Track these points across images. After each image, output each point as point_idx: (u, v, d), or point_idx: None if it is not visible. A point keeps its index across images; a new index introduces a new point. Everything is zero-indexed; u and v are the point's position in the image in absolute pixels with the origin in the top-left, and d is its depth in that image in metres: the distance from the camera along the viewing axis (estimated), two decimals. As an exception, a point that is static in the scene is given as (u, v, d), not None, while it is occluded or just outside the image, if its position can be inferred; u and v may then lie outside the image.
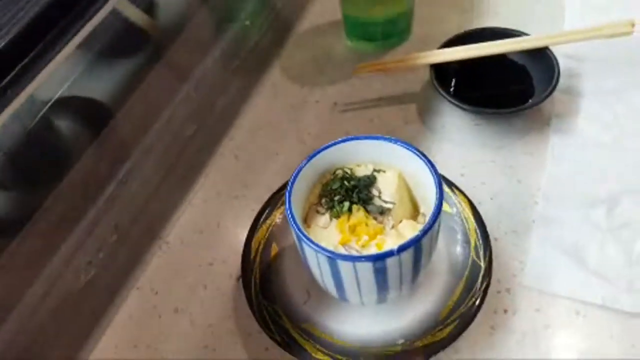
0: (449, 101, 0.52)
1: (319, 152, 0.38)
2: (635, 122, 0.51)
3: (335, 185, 0.39)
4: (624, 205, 0.46)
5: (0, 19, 0.38)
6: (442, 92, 0.52)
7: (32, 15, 0.39)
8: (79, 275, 0.43)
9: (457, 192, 0.45)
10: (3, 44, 0.36)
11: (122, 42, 0.54)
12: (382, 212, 0.38)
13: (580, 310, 0.41)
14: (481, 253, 0.41)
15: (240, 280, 0.43)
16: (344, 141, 0.39)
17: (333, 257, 0.33)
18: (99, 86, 0.52)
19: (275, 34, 0.66)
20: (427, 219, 0.35)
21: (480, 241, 0.42)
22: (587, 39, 0.53)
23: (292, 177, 0.37)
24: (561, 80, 0.52)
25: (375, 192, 0.39)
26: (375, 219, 0.38)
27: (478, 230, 0.42)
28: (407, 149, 0.38)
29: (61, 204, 0.42)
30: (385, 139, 0.38)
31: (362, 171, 0.40)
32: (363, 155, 0.40)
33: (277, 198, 0.46)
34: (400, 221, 0.38)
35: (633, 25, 0.51)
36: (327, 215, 0.38)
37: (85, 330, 0.44)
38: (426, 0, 0.65)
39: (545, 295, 0.42)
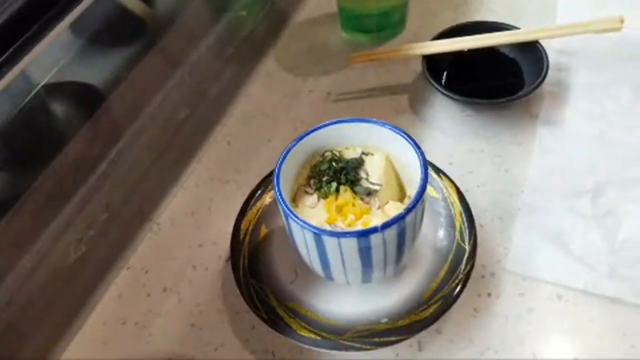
0: (440, 92, 0.53)
1: (308, 133, 0.39)
2: (622, 116, 0.52)
3: (324, 167, 0.39)
4: (609, 195, 0.47)
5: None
6: (433, 82, 0.53)
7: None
8: (69, 252, 0.44)
9: (444, 178, 0.45)
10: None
11: (117, 28, 0.55)
12: (369, 193, 0.38)
13: (562, 295, 0.42)
14: (466, 237, 0.42)
15: (229, 260, 0.44)
16: (333, 123, 0.40)
17: (318, 233, 0.34)
18: (94, 71, 0.52)
19: (271, 24, 0.67)
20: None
21: (466, 225, 0.43)
22: (577, 33, 0.54)
23: (282, 157, 0.38)
24: (551, 74, 0.53)
25: (362, 174, 0.39)
26: (362, 199, 0.38)
27: (464, 215, 0.43)
28: (395, 131, 0.38)
29: (52, 181, 0.43)
30: (373, 122, 0.39)
31: (350, 154, 0.41)
32: (352, 138, 0.40)
33: (268, 181, 0.47)
34: (387, 202, 0.38)
35: (622, 21, 0.52)
36: (315, 196, 0.39)
37: (75, 306, 0.44)
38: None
39: (529, 280, 0.43)
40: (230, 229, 0.45)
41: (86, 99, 0.52)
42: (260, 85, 0.60)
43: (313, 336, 0.38)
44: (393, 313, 0.40)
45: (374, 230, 0.34)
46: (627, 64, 0.56)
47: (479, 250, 0.43)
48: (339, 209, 0.38)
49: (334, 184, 0.38)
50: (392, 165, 0.41)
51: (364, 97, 0.58)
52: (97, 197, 0.46)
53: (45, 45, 0.40)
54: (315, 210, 0.38)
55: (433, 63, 0.55)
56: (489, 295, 0.43)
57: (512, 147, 0.51)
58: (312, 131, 0.39)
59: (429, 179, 0.44)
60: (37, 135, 0.45)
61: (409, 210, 0.34)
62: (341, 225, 0.37)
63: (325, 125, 0.39)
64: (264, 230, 0.45)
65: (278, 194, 0.36)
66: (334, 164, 0.39)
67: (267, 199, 0.46)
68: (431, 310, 0.39)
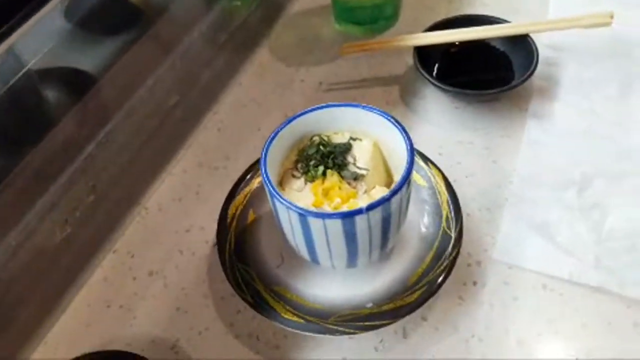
0: (431, 83, 0.53)
1: (297, 116, 0.39)
2: (609, 110, 0.53)
3: (312, 151, 0.39)
4: (595, 188, 0.47)
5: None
6: (423, 73, 0.53)
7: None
8: (54, 232, 0.44)
9: (432, 167, 0.46)
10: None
11: (111, 15, 0.55)
12: (356, 178, 0.38)
13: (547, 284, 0.42)
14: (452, 225, 0.42)
15: (216, 245, 0.44)
16: (322, 108, 0.40)
17: (304, 214, 0.34)
18: (87, 57, 0.52)
19: (265, 14, 0.67)
20: (398, 182, 0.35)
21: (452, 213, 0.43)
22: (567, 28, 0.54)
23: (269, 139, 0.38)
24: (541, 68, 0.53)
25: (350, 158, 0.39)
26: (349, 184, 0.38)
27: (450, 203, 0.43)
28: (383, 116, 0.39)
29: (39, 161, 0.42)
30: (362, 106, 0.39)
31: (338, 139, 0.41)
32: (340, 123, 0.40)
33: (256, 167, 0.47)
34: (374, 187, 0.39)
35: (612, 16, 0.52)
36: (302, 179, 0.39)
37: (59, 287, 0.44)
38: (416, -12, 0.67)
39: (515, 269, 0.43)
40: (218, 214, 0.45)
41: (77, 83, 0.52)
42: (252, 74, 0.61)
43: (297, 319, 0.38)
44: (378, 298, 0.40)
45: (359, 211, 0.34)
46: (616, 60, 0.57)
47: (466, 239, 0.43)
48: (326, 193, 0.38)
49: (321, 168, 0.38)
50: (380, 151, 0.41)
51: (356, 88, 0.58)
52: (84, 178, 0.46)
53: (35, 24, 0.39)
54: (302, 194, 0.38)
55: (424, 55, 0.55)
56: (475, 283, 0.43)
57: (501, 140, 0.52)
58: (300, 114, 0.39)
59: (417, 167, 0.45)
60: (26, 115, 0.45)
61: (394, 192, 0.34)
62: (327, 209, 0.37)
63: (314, 109, 0.40)
64: (251, 215, 0.45)
65: (265, 175, 0.36)
66: (321, 148, 0.39)
67: (256, 184, 0.46)
68: (416, 295, 0.39)
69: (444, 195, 0.44)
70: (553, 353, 0.39)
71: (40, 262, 0.43)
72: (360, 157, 0.39)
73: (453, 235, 0.42)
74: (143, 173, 0.51)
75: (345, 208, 0.37)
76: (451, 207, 0.43)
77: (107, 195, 0.48)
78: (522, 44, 0.54)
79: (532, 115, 0.53)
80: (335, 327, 0.38)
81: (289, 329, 0.38)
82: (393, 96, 0.56)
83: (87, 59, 0.52)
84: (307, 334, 0.38)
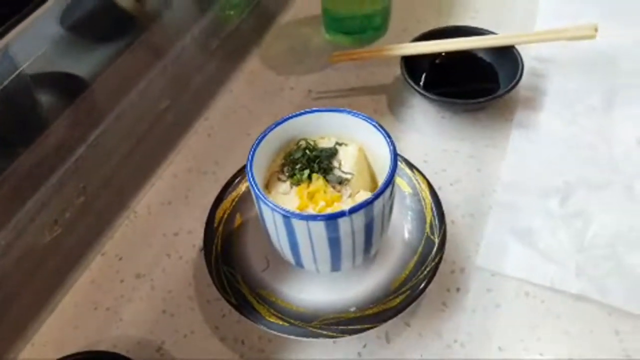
0: (417, 92, 0.54)
1: (284, 120, 0.40)
2: (593, 121, 0.54)
3: (298, 155, 0.40)
4: (578, 196, 0.48)
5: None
6: (411, 83, 0.54)
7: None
8: (43, 232, 0.44)
9: (417, 173, 0.46)
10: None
11: (105, 21, 0.56)
12: (341, 182, 0.39)
13: (529, 292, 0.43)
14: (436, 231, 0.43)
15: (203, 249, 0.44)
16: (308, 112, 0.40)
17: (288, 216, 0.35)
18: (80, 62, 0.53)
19: (257, 23, 0.68)
20: (381, 186, 0.36)
21: (436, 220, 0.43)
22: (552, 40, 0.55)
23: (256, 142, 0.39)
24: (527, 79, 0.55)
25: (335, 163, 0.40)
26: (333, 188, 0.39)
27: (434, 209, 0.44)
28: (367, 122, 0.39)
29: (31, 161, 0.43)
30: (347, 112, 0.40)
31: (325, 143, 0.41)
32: (327, 128, 0.41)
33: (244, 172, 0.47)
34: (358, 192, 0.39)
35: (596, 29, 0.54)
36: (287, 183, 0.40)
37: (48, 288, 0.44)
38: (405, 0, 0.68)
39: (498, 276, 0.44)
40: (205, 219, 0.45)
41: (69, 87, 0.53)
42: (243, 81, 0.61)
43: (281, 323, 0.39)
44: (361, 302, 0.40)
45: (342, 214, 0.34)
46: (600, 72, 0.58)
47: (450, 246, 0.44)
48: (311, 196, 0.38)
49: (307, 172, 0.39)
50: (365, 156, 0.42)
51: (344, 96, 0.59)
52: (75, 180, 0.46)
53: (29, 28, 0.40)
54: (288, 197, 0.39)
55: (412, 65, 0.56)
56: (458, 290, 0.43)
57: (486, 149, 0.52)
58: (287, 119, 0.40)
59: (402, 174, 0.45)
60: (19, 117, 0.46)
61: (376, 196, 0.35)
62: (312, 212, 0.37)
63: (301, 114, 0.40)
64: (238, 219, 0.45)
65: (250, 177, 0.36)
66: (307, 152, 0.40)
67: (243, 188, 0.47)
68: (399, 300, 0.40)
69: (428, 201, 0.45)
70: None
71: (29, 262, 0.43)
72: (346, 162, 0.40)
73: (437, 241, 0.42)
74: (133, 176, 0.52)
75: (329, 211, 0.37)
76: (435, 213, 0.44)
77: (97, 198, 0.49)
78: (508, 55, 0.55)
79: (517, 125, 0.54)
80: (319, 331, 0.38)
81: (273, 332, 0.38)
82: (381, 105, 0.57)
83: (80, 64, 0.53)
84: (290, 337, 0.38)
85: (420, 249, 0.42)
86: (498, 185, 0.49)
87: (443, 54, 0.57)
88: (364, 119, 0.40)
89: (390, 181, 0.36)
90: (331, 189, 0.39)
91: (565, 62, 0.59)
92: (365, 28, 0.63)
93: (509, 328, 0.41)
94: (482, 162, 0.51)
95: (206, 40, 0.63)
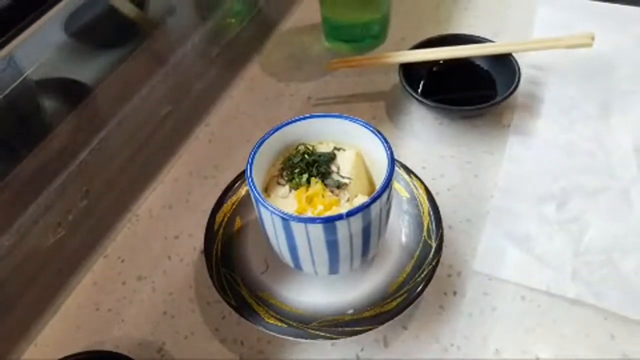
0: (415, 99, 0.54)
1: (283, 125, 0.41)
2: (590, 128, 0.54)
3: (297, 159, 0.41)
4: (574, 202, 0.49)
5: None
6: (409, 90, 0.55)
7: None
8: (47, 234, 0.45)
9: (414, 178, 0.47)
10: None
11: (108, 29, 0.57)
12: (339, 186, 0.40)
13: (526, 296, 0.43)
14: (433, 235, 0.43)
15: (204, 252, 0.45)
16: (307, 118, 0.41)
17: (287, 219, 0.35)
18: (84, 68, 0.54)
19: (258, 31, 0.69)
20: (379, 190, 0.37)
21: (433, 224, 0.44)
22: (549, 48, 0.56)
23: (256, 146, 0.39)
24: (525, 87, 0.55)
25: (334, 168, 0.41)
26: (332, 192, 0.40)
27: (432, 214, 0.45)
28: (365, 127, 0.40)
29: (35, 165, 0.44)
30: (345, 117, 0.41)
31: (323, 148, 0.42)
32: (325, 134, 0.42)
33: (244, 176, 0.48)
34: (356, 196, 0.40)
35: (593, 38, 0.54)
36: (286, 187, 0.40)
37: (51, 290, 0.45)
38: (404, 9, 0.69)
39: (494, 280, 0.44)
40: (206, 222, 0.46)
41: (73, 93, 0.54)
42: (243, 88, 0.62)
43: (280, 324, 0.39)
44: (359, 305, 0.41)
45: (340, 217, 0.35)
46: (596, 80, 0.58)
47: (447, 251, 0.44)
48: (309, 200, 0.39)
49: (305, 176, 0.40)
50: (363, 161, 0.42)
51: (343, 103, 0.60)
52: (78, 183, 0.47)
53: (34, 34, 0.41)
54: (287, 200, 0.39)
55: (410, 72, 0.57)
56: (455, 293, 0.44)
57: (483, 155, 0.53)
58: (287, 124, 0.41)
59: (400, 179, 0.46)
60: (24, 122, 0.47)
61: (374, 199, 0.36)
62: (310, 215, 0.38)
63: (300, 119, 0.41)
64: (238, 223, 0.46)
65: (250, 180, 0.37)
66: (306, 156, 0.41)
67: (243, 192, 0.47)
68: (396, 303, 0.40)
69: (426, 206, 0.45)
70: (531, 363, 0.40)
71: (33, 263, 0.44)
72: (344, 166, 0.41)
73: (434, 245, 0.43)
74: (135, 180, 0.52)
75: (327, 215, 0.38)
76: (432, 217, 0.44)
77: (100, 201, 0.49)
78: (506, 63, 0.56)
79: (514, 132, 0.55)
80: (317, 332, 0.39)
81: (272, 333, 0.39)
82: (379, 111, 0.58)
83: (83, 70, 0.54)
84: (289, 338, 0.39)
85: (417, 252, 0.43)
86: (495, 190, 0.50)
87: (441, 61, 0.58)
88: (361, 125, 0.40)
89: (387, 185, 0.36)
90: (329, 193, 0.39)
91: (562, 70, 0.60)
92: (365, 36, 0.64)
93: (506, 331, 0.41)
94: (479, 168, 0.52)
95: (207, 48, 0.64)
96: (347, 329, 0.39)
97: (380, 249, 0.43)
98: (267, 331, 0.39)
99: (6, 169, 0.43)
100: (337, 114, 0.41)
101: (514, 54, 0.56)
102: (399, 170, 0.47)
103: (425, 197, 0.46)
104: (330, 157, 0.41)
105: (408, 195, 0.46)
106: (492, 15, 0.68)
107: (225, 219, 0.46)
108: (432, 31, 0.64)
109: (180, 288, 0.45)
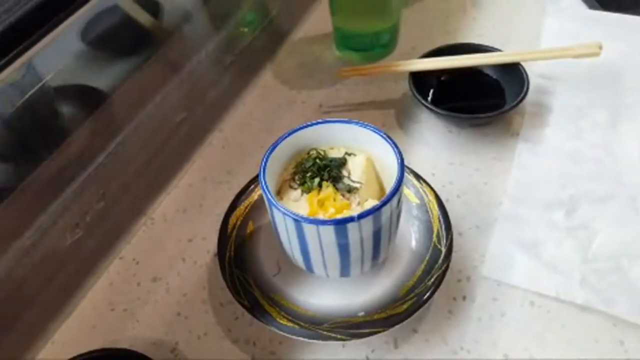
0: (425, 106, 0.55)
1: (296, 130, 0.42)
2: (598, 136, 0.55)
3: (309, 164, 0.42)
4: (583, 209, 0.49)
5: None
6: (419, 97, 0.55)
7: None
8: (65, 235, 0.46)
9: (424, 184, 0.48)
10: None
11: (124, 37, 0.58)
12: (350, 190, 0.41)
13: (535, 301, 0.44)
14: (443, 240, 0.44)
15: (217, 255, 0.45)
16: (319, 123, 0.42)
17: (299, 220, 0.36)
18: (101, 75, 0.56)
19: (270, 40, 0.70)
20: (389, 194, 0.38)
21: (443, 229, 0.45)
22: (557, 57, 0.57)
23: (269, 150, 0.40)
24: (533, 96, 0.56)
25: (345, 172, 0.42)
26: (343, 196, 0.40)
27: (441, 219, 0.45)
28: (376, 132, 0.41)
29: (54, 167, 0.45)
30: (356, 123, 0.42)
31: (334, 153, 0.43)
32: (336, 139, 0.43)
33: (257, 181, 0.49)
34: (367, 200, 0.41)
35: (600, 47, 0.55)
36: (299, 191, 0.41)
37: (68, 290, 0.46)
38: (414, 19, 0.70)
39: (503, 286, 0.45)
40: (219, 225, 0.47)
41: (90, 99, 0.55)
42: (256, 95, 0.64)
43: (292, 325, 0.40)
44: (370, 307, 0.41)
45: (351, 219, 0.36)
46: (604, 89, 0.59)
47: (456, 256, 0.45)
48: (321, 203, 0.40)
49: (317, 180, 0.41)
50: (373, 166, 0.43)
51: (353, 110, 0.61)
52: (95, 185, 0.49)
53: (52, 42, 0.42)
54: (299, 204, 0.40)
55: (420, 81, 0.58)
56: (464, 298, 0.44)
57: (492, 162, 0.54)
58: (299, 129, 0.42)
59: (410, 185, 0.47)
60: (43, 126, 0.48)
61: (384, 202, 0.36)
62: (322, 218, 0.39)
63: (312, 125, 0.42)
64: (251, 226, 0.47)
65: (263, 183, 0.38)
66: (318, 161, 0.42)
67: (256, 197, 0.48)
68: (406, 306, 0.41)
69: (435, 211, 0.46)
70: (539, 367, 0.40)
71: (51, 263, 0.45)
72: (355, 171, 0.42)
73: (443, 249, 0.43)
74: (150, 184, 0.54)
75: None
76: (442, 223, 0.45)
77: (116, 204, 0.51)
78: (514, 72, 0.57)
79: (523, 140, 0.55)
80: (328, 333, 0.39)
81: (284, 334, 0.40)
82: (389, 119, 0.59)
83: (100, 78, 0.55)
84: (300, 338, 0.39)
85: (427, 257, 0.44)
86: (504, 197, 0.51)
87: (450, 70, 0.59)
88: (372, 130, 0.41)
89: (397, 188, 0.37)
90: (340, 197, 0.40)
91: (570, 80, 0.60)
92: (375, 45, 0.65)
93: (514, 336, 0.42)
94: (488, 175, 0.53)
95: (221, 56, 0.65)
96: (358, 330, 0.40)
97: (390, 254, 0.44)
98: (279, 332, 0.40)
99: (26, 171, 0.44)
100: (347, 119, 0.42)
101: (522, 63, 0.57)
102: (409, 177, 0.48)
103: (435, 203, 0.46)
104: (342, 162, 0.42)
105: (418, 201, 0.47)
106: (500, 26, 0.69)
107: (238, 222, 0.47)
108: (442, 41, 0.64)
109: (194, 289, 0.46)
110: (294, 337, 0.39)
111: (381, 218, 0.37)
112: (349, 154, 0.43)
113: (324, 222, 0.36)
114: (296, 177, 0.42)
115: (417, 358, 0.41)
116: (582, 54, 0.56)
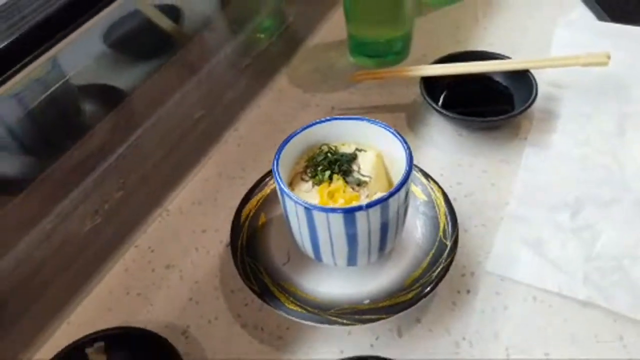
0: (436, 110, 0.57)
1: (308, 126, 0.44)
2: (603, 141, 0.56)
3: (320, 158, 0.43)
4: (588, 212, 0.50)
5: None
6: (429, 101, 0.57)
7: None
8: (85, 220, 0.48)
9: (432, 182, 0.49)
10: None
11: (146, 40, 0.61)
12: (359, 184, 0.42)
13: (537, 296, 0.45)
14: (449, 235, 0.45)
15: (229, 244, 0.47)
16: (331, 120, 0.44)
17: (309, 208, 0.38)
18: (121, 75, 0.58)
19: (286, 46, 0.73)
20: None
21: (449, 225, 0.46)
22: (566, 65, 0.58)
23: (283, 143, 0.42)
24: (542, 103, 0.57)
25: (355, 167, 0.43)
26: (352, 188, 0.42)
27: (448, 216, 0.47)
28: (385, 129, 0.43)
29: (76, 157, 0.48)
30: (366, 119, 0.44)
31: (345, 149, 0.45)
32: (347, 135, 0.45)
33: (270, 175, 0.51)
34: (375, 193, 0.42)
35: (608, 57, 0.57)
36: (310, 183, 0.43)
37: (85, 273, 0.48)
38: (426, 28, 0.72)
39: (507, 281, 0.46)
40: (232, 218, 0.49)
41: (112, 97, 0.58)
42: (271, 98, 0.66)
43: (300, 310, 0.41)
44: (375, 295, 0.43)
45: (359, 208, 0.37)
46: (612, 98, 0.60)
47: (461, 253, 0.46)
48: (331, 195, 0.41)
49: (328, 173, 0.42)
50: (383, 162, 0.45)
51: (365, 113, 0.62)
52: (115, 175, 0.51)
53: (75, 39, 0.45)
54: (310, 194, 0.42)
55: (431, 86, 0.59)
56: (468, 292, 0.46)
57: (500, 165, 0.55)
58: (312, 125, 0.44)
59: (418, 182, 0.48)
60: (67, 121, 0.51)
61: (392, 194, 0.38)
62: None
63: (324, 121, 0.44)
64: (263, 218, 0.49)
65: (276, 173, 0.40)
66: (329, 155, 0.43)
67: (268, 191, 0.50)
68: (410, 295, 0.42)
69: (442, 208, 0.47)
70: None
71: (70, 247, 0.47)
72: (364, 166, 0.43)
73: (449, 244, 0.45)
74: (167, 178, 0.56)
75: (348, 207, 0.40)
76: (448, 218, 0.46)
77: (134, 194, 0.53)
78: (523, 79, 0.58)
79: (531, 144, 0.56)
80: (335, 319, 0.41)
81: (292, 318, 0.41)
82: (400, 122, 0.61)
83: (121, 78, 0.58)
84: (308, 323, 0.41)
85: (433, 250, 0.45)
86: (510, 198, 0.52)
87: (461, 76, 0.61)
88: (382, 127, 0.43)
89: (405, 180, 0.39)
90: (350, 190, 0.42)
91: (579, 88, 0.62)
92: (388, 52, 0.67)
93: (516, 329, 0.43)
94: (495, 177, 0.54)
95: (238, 59, 0.68)
96: (363, 317, 0.41)
97: (397, 246, 0.45)
98: (287, 316, 0.41)
99: (51, 159, 0.46)
100: (359, 117, 0.44)
101: (531, 71, 0.58)
102: (417, 175, 0.49)
103: (442, 200, 0.48)
104: (352, 157, 0.44)
105: (425, 198, 0.48)
106: (511, 36, 0.71)
107: (251, 214, 0.48)
108: (453, 49, 0.66)
109: (206, 277, 0.48)
110: (301, 321, 0.41)
111: (389, 209, 0.39)
112: (360, 150, 0.44)
113: (333, 210, 0.38)
114: (308, 170, 0.44)
115: (420, 346, 0.42)
116: (591, 63, 0.57)
